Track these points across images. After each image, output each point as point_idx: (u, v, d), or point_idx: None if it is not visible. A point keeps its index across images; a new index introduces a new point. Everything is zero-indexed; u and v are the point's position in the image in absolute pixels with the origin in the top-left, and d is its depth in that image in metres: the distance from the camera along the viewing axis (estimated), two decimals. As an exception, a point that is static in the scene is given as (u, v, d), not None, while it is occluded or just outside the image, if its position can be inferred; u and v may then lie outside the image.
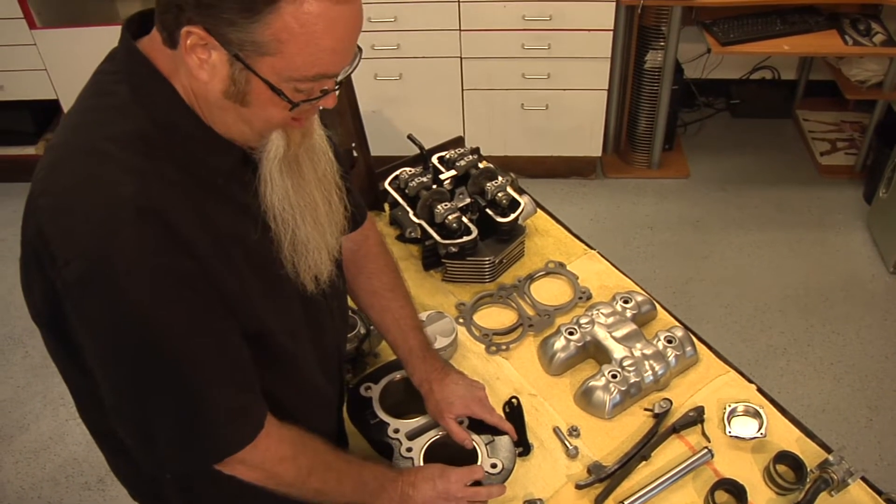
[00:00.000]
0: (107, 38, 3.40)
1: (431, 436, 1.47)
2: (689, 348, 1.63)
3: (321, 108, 1.07)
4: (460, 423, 1.46)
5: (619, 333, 1.63)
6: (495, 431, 1.47)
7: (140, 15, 1.05)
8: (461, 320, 1.77)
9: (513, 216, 1.81)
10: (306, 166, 1.11)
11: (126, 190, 0.95)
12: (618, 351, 1.60)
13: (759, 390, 1.61)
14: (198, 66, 0.95)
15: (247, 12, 0.90)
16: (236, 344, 1.08)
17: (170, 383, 1.02)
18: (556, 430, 1.54)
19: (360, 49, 1.01)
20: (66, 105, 3.61)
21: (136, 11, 1.07)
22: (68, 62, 3.50)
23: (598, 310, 1.68)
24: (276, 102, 0.98)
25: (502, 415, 1.54)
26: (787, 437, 1.52)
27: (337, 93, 1.03)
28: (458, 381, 1.50)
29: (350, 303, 1.49)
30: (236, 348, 1.08)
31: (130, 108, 1.00)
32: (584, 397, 1.57)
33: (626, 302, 1.71)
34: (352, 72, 1.02)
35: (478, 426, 1.47)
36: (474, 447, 1.44)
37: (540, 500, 1.43)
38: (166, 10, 0.94)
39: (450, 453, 1.43)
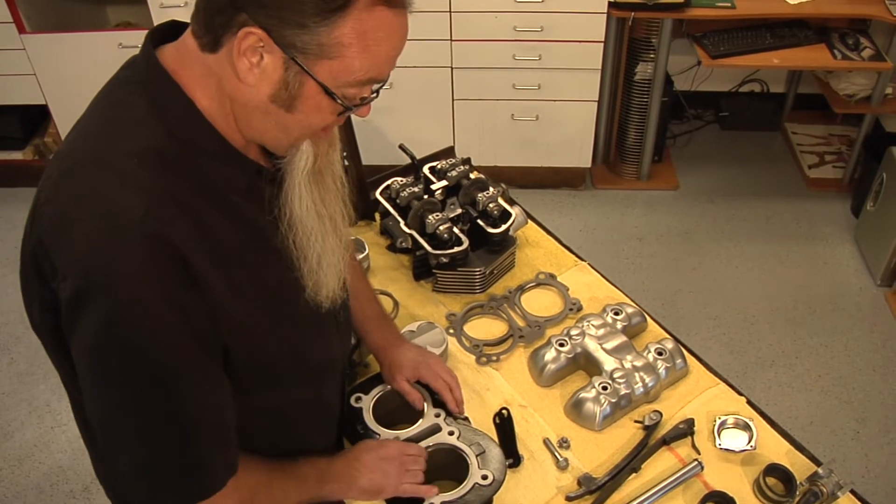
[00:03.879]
0: (96, 43, 3.41)
1: (422, 446, 1.47)
2: (679, 360, 1.63)
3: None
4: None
5: (609, 345, 1.63)
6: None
7: (162, 25, 1.05)
8: (451, 331, 1.76)
9: (504, 227, 1.81)
10: (328, 178, 1.12)
11: (134, 213, 0.93)
12: (608, 363, 1.60)
13: (749, 403, 1.62)
14: (247, 70, 0.95)
15: (318, 16, 0.91)
16: (219, 392, 1.06)
17: (139, 422, 1.00)
18: (547, 442, 1.54)
19: None
20: (55, 110, 3.61)
21: (168, 20, 1.06)
22: (57, 67, 3.48)
23: (588, 321, 1.69)
24: (322, 109, 0.99)
25: (488, 423, 1.54)
26: (777, 450, 1.52)
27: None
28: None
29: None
30: (218, 398, 1.06)
31: (148, 122, 0.99)
32: (575, 409, 1.57)
33: (616, 314, 1.71)
34: (384, 85, 1.04)
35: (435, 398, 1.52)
36: (465, 455, 1.44)
37: (530, 511, 1.43)
38: (219, 11, 0.94)
39: (439, 462, 1.42)
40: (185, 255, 0.95)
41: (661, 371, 1.60)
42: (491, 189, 1.85)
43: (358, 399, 1.53)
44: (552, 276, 1.89)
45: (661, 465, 1.50)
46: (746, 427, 1.54)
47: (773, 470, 1.45)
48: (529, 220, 2.03)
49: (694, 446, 1.52)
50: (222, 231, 1.02)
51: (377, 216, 2.03)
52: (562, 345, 1.64)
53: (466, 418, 1.54)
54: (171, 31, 1.04)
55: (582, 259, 1.96)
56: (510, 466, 1.48)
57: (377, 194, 1.91)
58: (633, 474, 1.48)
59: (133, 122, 1.00)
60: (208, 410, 1.04)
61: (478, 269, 1.81)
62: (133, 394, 0.98)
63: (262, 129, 1.03)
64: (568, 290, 1.85)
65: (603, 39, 3.33)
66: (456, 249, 1.76)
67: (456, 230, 1.78)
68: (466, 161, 1.94)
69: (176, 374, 0.99)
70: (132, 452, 1.02)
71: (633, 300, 1.82)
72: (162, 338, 0.96)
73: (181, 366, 0.99)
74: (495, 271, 1.86)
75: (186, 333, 0.98)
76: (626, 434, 1.56)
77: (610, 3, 3.25)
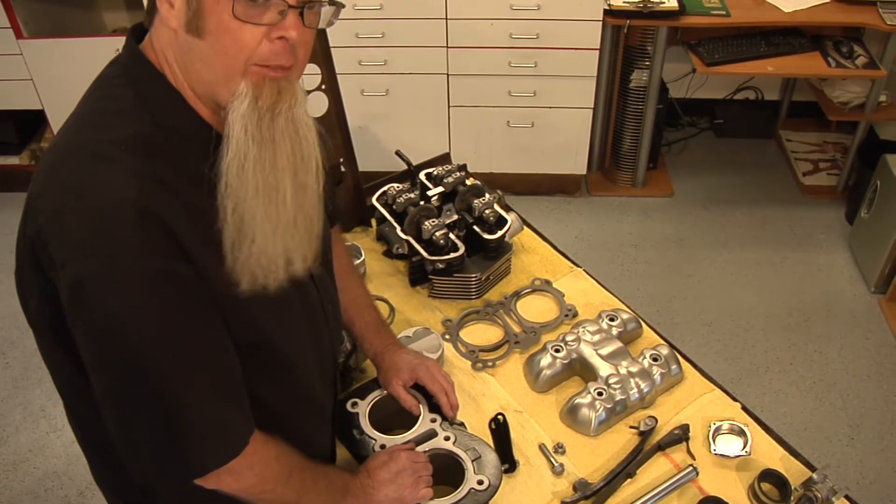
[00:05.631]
0: (93, 49, 3.43)
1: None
2: (674, 366, 1.64)
3: (292, 40, 0.99)
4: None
5: (604, 351, 1.64)
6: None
7: (144, 21, 1.07)
8: (447, 336, 1.77)
9: (500, 233, 1.81)
10: (282, 146, 1.02)
11: (127, 193, 0.95)
12: (604, 368, 1.61)
13: (744, 408, 1.62)
14: (168, 13, 0.98)
15: None
16: (227, 354, 1.08)
17: (156, 394, 1.01)
18: (542, 447, 1.55)
19: (342, 4, 1.03)
20: (52, 115, 3.60)
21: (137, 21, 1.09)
22: (54, 73, 3.48)
23: (584, 327, 1.69)
24: (230, 28, 0.96)
25: (486, 429, 1.54)
26: (772, 456, 1.53)
27: (304, 20, 0.99)
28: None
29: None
30: (227, 359, 1.08)
31: (134, 112, 1.01)
32: (570, 414, 1.57)
33: (611, 320, 1.72)
34: (322, 23, 1.03)
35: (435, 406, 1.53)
36: (461, 460, 1.44)
37: (525, 517, 1.43)
38: None
39: (435, 467, 1.43)
40: (176, 233, 0.97)
41: (657, 377, 1.61)
42: (487, 195, 1.86)
43: (354, 404, 1.53)
44: (548, 283, 1.90)
45: (656, 470, 1.51)
46: (741, 433, 1.54)
47: (768, 475, 1.46)
48: (525, 227, 2.03)
49: (689, 452, 1.53)
50: (210, 212, 1.03)
51: (373, 222, 2.03)
52: (557, 350, 1.65)
53: (462, 424, 1.54)
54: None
55: (577, 265, 1.97)
56: (506, 472, 1.48)
57: (373, 200, 1.91)
58: (629, 480, 1.48)
59: (119, 112, 1.02)
60: (219, 372, 1.06)
61: (474, 275, 1.81)
62: (144, 368, 0.99)
63: (198, 76, 1.01)
64: (563, 296, 1.86)
65: (598, 47, 3.35)
66: (452, 255, 1.76)
67: (452, 236, 1.79)
68: (462, 167, 1.94)
69: (185, 343, 1.01)
70: (153, 430, 1.03)
71: (628, 306, 1.83)
72: (168, 309, 0.98)
73: (188, 334, 1.01)
74: (491, 277, 1.87)
75: (190, 302, 1.00)
76: (621, 439, 1.56)
77: (605, 10, 3.27)
